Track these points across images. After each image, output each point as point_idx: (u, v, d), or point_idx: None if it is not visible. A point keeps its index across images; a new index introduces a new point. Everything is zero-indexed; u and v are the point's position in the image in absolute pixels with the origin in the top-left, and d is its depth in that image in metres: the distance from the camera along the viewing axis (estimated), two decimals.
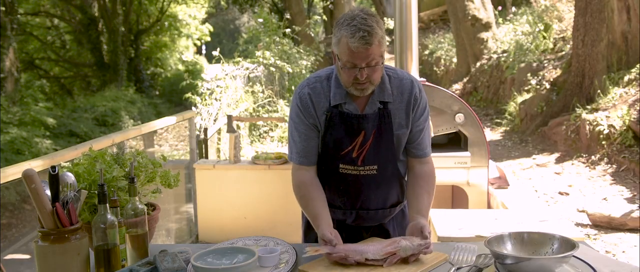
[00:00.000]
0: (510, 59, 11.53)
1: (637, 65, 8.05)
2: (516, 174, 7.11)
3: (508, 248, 1.65)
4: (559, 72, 9.99)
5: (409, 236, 1.82)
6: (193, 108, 7.73)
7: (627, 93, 7.64)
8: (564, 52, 10.49)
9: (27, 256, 4.16)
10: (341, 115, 1.97)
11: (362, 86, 1.89)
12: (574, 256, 1.59)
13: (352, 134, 1.98)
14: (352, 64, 1.84)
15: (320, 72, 2.07)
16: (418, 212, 1.97)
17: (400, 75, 2.03)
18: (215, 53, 9.15)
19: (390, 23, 16.00)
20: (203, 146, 5.30)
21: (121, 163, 1.94)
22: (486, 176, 3.98)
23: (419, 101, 2.02)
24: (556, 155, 7.79)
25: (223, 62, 9.44)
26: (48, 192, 1.66)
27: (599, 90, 8.14)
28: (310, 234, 2.24)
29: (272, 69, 10.61)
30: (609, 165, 6.75)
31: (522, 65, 10.82)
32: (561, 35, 11.00)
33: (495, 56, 12.52)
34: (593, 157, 7.09)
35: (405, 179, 2.14)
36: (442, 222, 2.89)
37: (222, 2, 22.96)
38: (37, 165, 3.01)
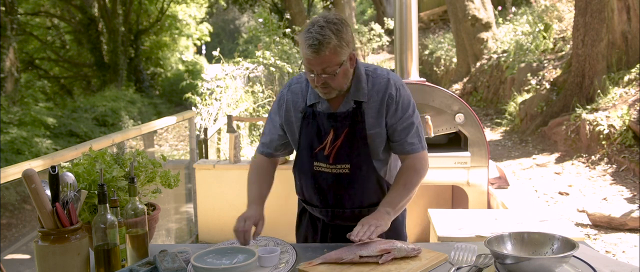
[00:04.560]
0: (510, 59, 11.53)
1: (637, 65, 8.05)
2: (516, 174, 7.11)
3: (508, 248, 1.65)
4: (559, 72, 9.99)
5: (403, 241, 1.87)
6: (193, 108, 7.73)
7: (627, 93, 7.64)
8: (564, 52, 10.49)
9: (27, 256, 4.16)
10: (314, 115, 2.04)
11: (325, 90, 1.95)
12: (574, 256, 1.59)
13: (322, 132, 2.03)
14: (309, 69, 1.91)
15: (304, 73, 2.10)
16: (385, 203, 1.99)
17: (378, 74, 2.05)
18: (215, 53, 9.15)
19: (390, 23, 16.00)
20: (203, 145, 5.30)
21: (121, 163, 1.94)
22: (486, 176, 3.98)
23: (397, 99, 2.01)
24: (556, 155, 7.79)
25: (223, 62, 9.44)
26: (48, 192, 1.65)
27: (599, 90, 8.14)
28: (300, 229, 2.33)
29: (272, 69, 10.61)
30: (609, 165, 6.75)
31: (522, 65, 10.82)
32: (561, 35, 11.00)
33: (495, 56, 12.52)
34: (593, 157, 7.09)
35: (387, 179, 2.13)
36: (442, 222, 2.89)
37: (222, 2, 22.97)
38: (37, 165, 3.01)
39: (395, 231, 2.22)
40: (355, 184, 2.05)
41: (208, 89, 8.69)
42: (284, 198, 4.58)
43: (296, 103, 2.08)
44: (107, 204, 1.67)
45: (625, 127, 6.85)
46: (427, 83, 3.96)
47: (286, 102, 2.09)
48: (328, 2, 17.37)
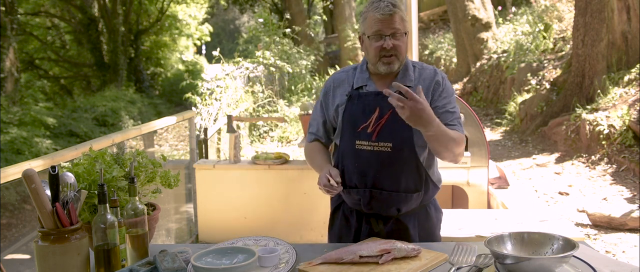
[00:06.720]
0: (510, 59, 11.53)
1: (637, 65, 8.05)
2: (516, 174, 7.11)
3: (508, 248, 1.65)
4: (559, 72, 9.99)
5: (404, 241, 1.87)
6: (193, 108, 7.74)
7: (627, 93, 7.64)
8: (564, 52, 10.49)
9: (27, 256, 4.16)
10: (360, 96, 2.13)
11: (389, 59, 2.05)
12: (574, 256, 1.59)
13: (368, 111, 2.09)
14: (378, 33, 2.03)
15: (351, 65, 2.28)
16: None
17: (425, 67, 2.19)
18: (215, 53, 9.16)
19: None
20: (203, 145, 5.30)
21: (121, 163, 1.94)
22: (486, 176, 3.98)
23: (442, 86, 2.13)
24: (556, 155, 7.79)
25: (223, 62, 9.44)
26: (48, 192, 1.65)
27: (599, 90, 8.14)
28: (333, 228, 2.31)
29: (272, 69, 10.62)
30: (609, 165, 6.75)
31: (522, 65, 10.82)
32: (561, 35, 11.01)
33: (495, 56, 12.52)
34: (593, 157, 7.09)
35: (425, 166, 2.11)
36: (442, 222, 2.89)
37: (222, 2, 22.98)
38: (37, 165, 3.00)
39: (427, 231, 2.22)
40: (396, 164, 2.07)
41: (208, 89, 8.70)
42: (284, 198, 4.59)
43: (341, 88, 2.19)
44: (107, 204, 1.67)
45: (625, 127, 6.85)
46: None
47: (332, 89, 2.22)
48: (328, 2, 17.38)
